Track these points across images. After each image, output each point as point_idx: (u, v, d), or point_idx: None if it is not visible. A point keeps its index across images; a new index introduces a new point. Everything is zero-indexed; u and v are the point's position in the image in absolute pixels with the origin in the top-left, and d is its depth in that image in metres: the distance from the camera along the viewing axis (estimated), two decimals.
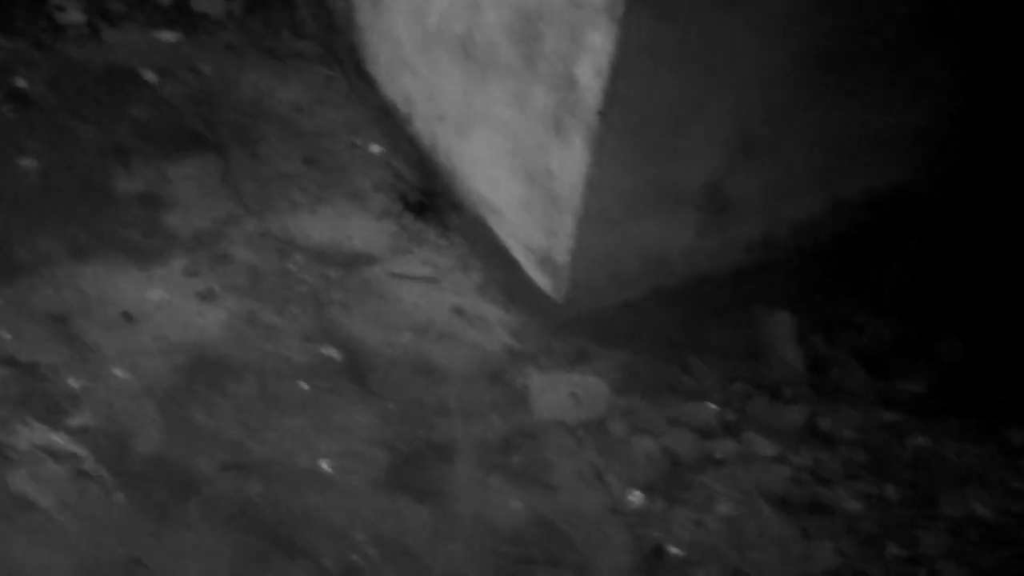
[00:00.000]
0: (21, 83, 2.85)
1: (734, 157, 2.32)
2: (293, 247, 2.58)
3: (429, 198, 2.73)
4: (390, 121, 2.86)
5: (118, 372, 2.22)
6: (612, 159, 2.16)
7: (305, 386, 2.25)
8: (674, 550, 2.10)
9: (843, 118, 2.39)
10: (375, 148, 2.89)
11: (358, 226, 2.68)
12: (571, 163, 2.19)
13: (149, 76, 2.94)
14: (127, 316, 2.34)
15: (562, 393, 2.32)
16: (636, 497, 2.17)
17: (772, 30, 2.14)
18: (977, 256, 2.68)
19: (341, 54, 3.02)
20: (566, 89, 2.14)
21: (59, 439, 2.09)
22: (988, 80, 2.53)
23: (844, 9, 2.17)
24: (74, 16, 3.08)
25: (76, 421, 2.13)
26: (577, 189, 2.20)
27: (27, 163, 2.65)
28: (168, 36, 3.09)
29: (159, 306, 2.38)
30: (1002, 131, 2.66)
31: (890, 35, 2.27)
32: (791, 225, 2.57)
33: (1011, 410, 2.40)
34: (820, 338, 2.55)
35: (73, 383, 2.19)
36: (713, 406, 2.36)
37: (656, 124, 2.15)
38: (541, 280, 2.42)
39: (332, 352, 2.34)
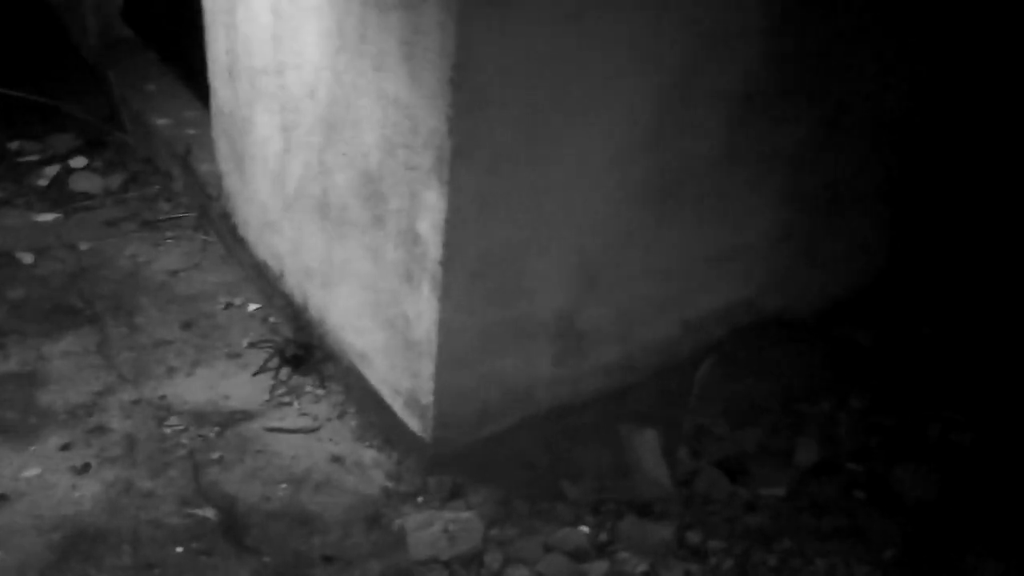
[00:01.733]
0: None
1: (580, 290, 2.47)
2: (170, 412, 2.65)
3: (305, 350, 2.84)
4: (264, 280, 2.98)
5: None
6: (460, 303, 2.29)
7: (180, 550, 2.29)
8: None
9: (680, 244, 2.56)
10: (251, 306, 3.00)
11: (236, 384, 2.77)
12: (423, 310, 2.31)
13: (26, 258, 3.04)
14: (1, 497, 2.37)
15: (436, 530, 2.39)
16: None
17: (599, 172, 2.32)
18: (826, 360, 2.86)
19: (215, 220, 3.16)
20: (412, 243, 2.28)
21: None
22: (804, 203, 2.75)
23: (666, 148, 2.37)
24: None
25: None
26: (432, 334, 2.32)
27: None
28: (47, 217, 3.20)
29: (34, 484, 2.41)
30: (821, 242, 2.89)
31: (712, 168, 2.47)
32: (646, 347, 2.71)
33: (867, 504, 2.53)
34: (686, 452, 2.67)
35: None
36: (585, 529, 2.44)
37: (498, 267, 2.29)
38: (411, 421, 2.51)
39: (208, 513, 2.39)
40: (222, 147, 2.99)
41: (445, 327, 2.32)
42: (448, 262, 2.22)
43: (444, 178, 2.11)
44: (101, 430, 2.57)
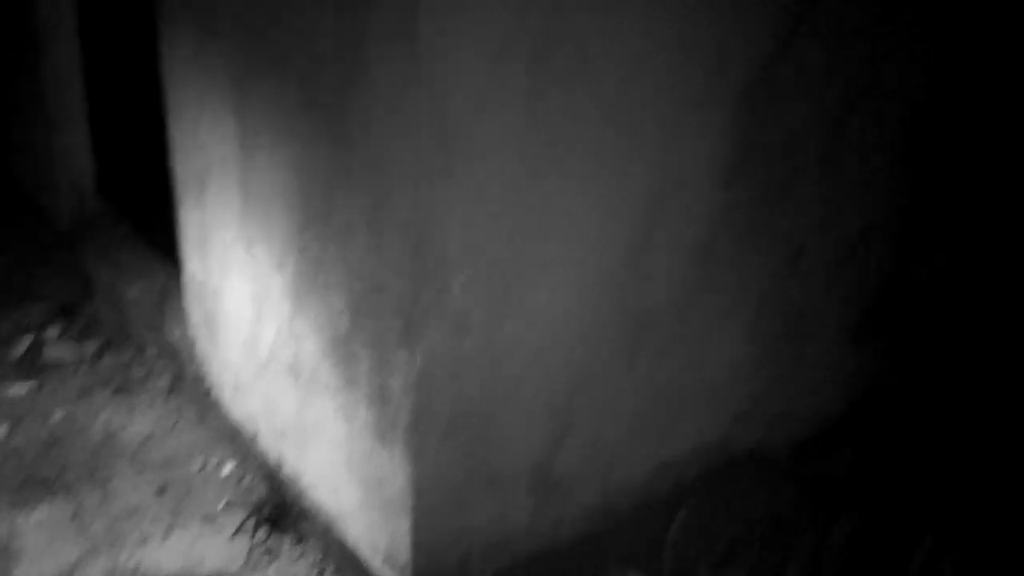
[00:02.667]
0: None
1: (554, 439, 2.52)
2: None
3: (281, 510, 2.84)
4: (239, 441, 3.01)
5: None
6: (433, 461, 2.33)
7: None
8: None
9: (651, 385, 2.62)
10: (227, 468, 3.02)
11: (212, 547, 2.76)
12: (397, 469, 2.35)
13: (0, 430, 3.05)
14: None
15: None
16: None
17: (566, 322, 2.39)
18: (803, 494, 2.90)
19: (189, 383, 3.20)
20: (383, 404, 2.34)
21: None
22: (771, 337, 2.85)
23: (631, 295, 2.46)
24: None
25: None
26: (406, 492, 2.35)
27: None
28: (20, 389, 3.23)
29: None
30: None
31: (678, 310, 2.56)
32: (624, 489, 2.74)
33: None
34: None
35: None
36: None
37: (471, 424, 2.34)
38: None
39: None
40: (194, 315, 3.06)
41: (419, 485, 2.35)
42: (419, 422, 2.28)
43: (413, 342, 2.18)
44: None
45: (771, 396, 2.96)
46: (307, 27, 2.21)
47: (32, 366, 3.34)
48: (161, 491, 2.91)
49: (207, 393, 3.12)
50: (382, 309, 2.25)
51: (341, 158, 2.22)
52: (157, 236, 3.57)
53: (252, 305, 2.74)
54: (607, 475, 2.71)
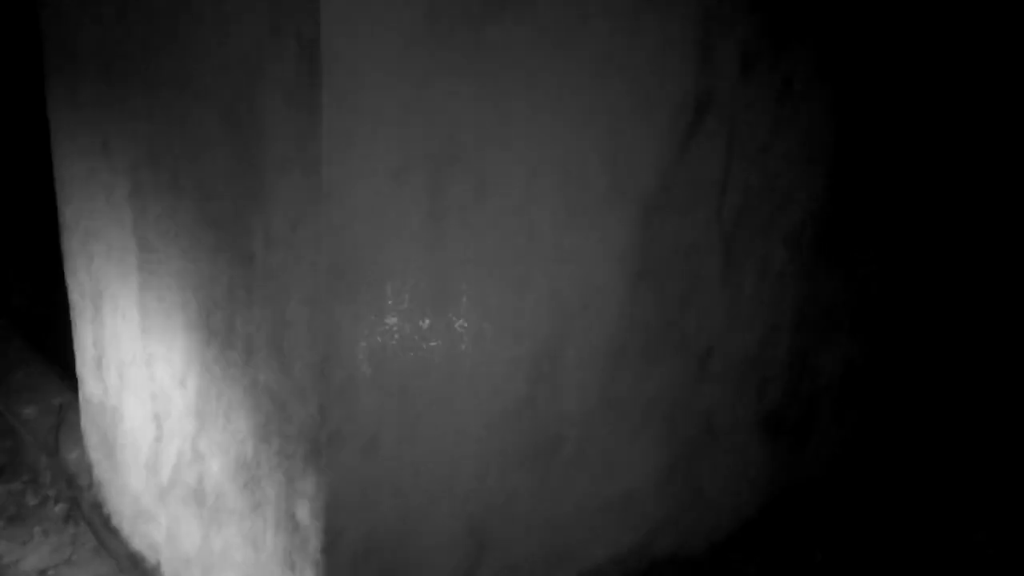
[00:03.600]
0: None
1: (471, 556, 2.43)
2: None
3: None
4: (139, 571, 2.83)
5: None
6: None
7: None
8: None
9: (566, 498, 2.56)
10: None
11: None
12: None
13: None
14: None
15: None
16: None
17: (477, 441, 2.32)
18: None
19: (86, 511, 3.02)
20: (292, 530, 2.22)
21: None
22: (683, 442, 2.82)
23: (540, 411, 2.41)
24: None
25: None
26: None
27: None
28: None
29: None
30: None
31: (589, 422, 2.52)
32: None
33: None
34: None
35: None
36: None
37: (384, 546, 2.24)
38: None
39: None
40: (92, 436, 2.91)
41: None
42: (330, 548, 2.16)
43: (320, 466, 2.09)
44: None
45: (688, 499, 2.92)
46: (204, 146, 2.15)
47: None
48: None
49: (106, 521, 2.94)
50: (287, 431, 2.16)
51: (242, 276, 2.14)
52: (53, 352, 3.42)
53: (153, 425, 2.61)
54: None
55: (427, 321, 2.12)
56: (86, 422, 2.92)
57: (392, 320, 2.07)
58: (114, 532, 2.92)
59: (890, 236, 3.22)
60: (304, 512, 2.18)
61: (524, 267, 2.24)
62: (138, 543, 2.82)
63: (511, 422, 2.38)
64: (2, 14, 3.69)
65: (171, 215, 2.32)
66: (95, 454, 2.92)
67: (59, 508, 3.08)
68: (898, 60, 2.96)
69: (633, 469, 2.70)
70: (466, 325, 2.18)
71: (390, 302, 2.04)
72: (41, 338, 3.45)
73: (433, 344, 2.15)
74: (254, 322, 2.15)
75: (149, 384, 2.57)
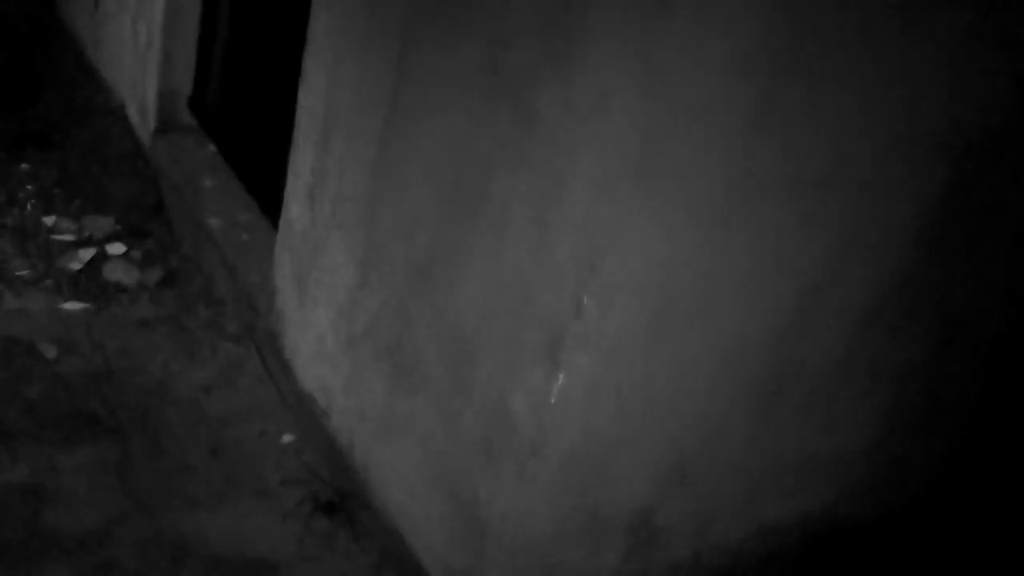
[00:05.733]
0: None
1: (667, 486, 2.26)
2: (187, 554, 2.37)
3: (342, 499, 2.58)
4: (305, 411, 2.74)
5: None
6: (543, 491, 2.06)
7: None
8: None
9: (774, 447, 2.37)
10: (287, 438, 2.75)
11: (262, 528, 2.50)
12: (501, 493, 2.08)
13: (49, 351, 2.78)
14: None
15: None
16: None
17: (712, 370, 2.13)
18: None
19: (258, 335, 2.92)
20: (500, 417, 2.07)
21: None
22: (901, 420, 2.59)
23: (783, 353, 2.19)
24: None
25: None
26: (507, 518, 2.09)
27: None
28: (75, 306, 2.95)
29: None
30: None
31: (822, 378, 2.30)
32: (718, 547, 2.48)
33: None
34: None
35: None
36: None
37: (591, 458, 2.08)
38: None
39: None
40: (283, 264, 2.77)
41: (522, 512, 2.09)
42: (541, 446, 2.01)
43: (558, 359, 1.91)
44: (110, 566, 2.29)
45: (892, 471, 2.69)
46: None
47: (89, 284, 3.06)
48: (215, 452, 2.64)
49: (279, 352, 2.84)
50: (525, 316, 1.97)
51: (517, 139, 1.93)
52: (246, 165, 3.29)
53: (358, 270, 2.45)
54: (706, 530, 2.44)
55: (707, 238, 1.89)
56: (280, 248, 2.78)
57: (670, 231, 1.84)
58: (285, 365, 2.81)
59: None
60: (520, 404, 2.01)
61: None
62: (310, 384, 2.71)
63: (749, 358, 2.16)
64: None
65: (447, 54, 2.10)
66: (283, 283, 2.79)
67: (231, 327, 2.99)
68: None
69: (850, 432, 2.48)
70: (739, 251, 1.95)
71: (684, 219, 1.82)
72: (233, 155, 3.31)
73: (699, 257, 1.92)
74: (515, 194, 1.94)
75: (368, 227, 2.39)
